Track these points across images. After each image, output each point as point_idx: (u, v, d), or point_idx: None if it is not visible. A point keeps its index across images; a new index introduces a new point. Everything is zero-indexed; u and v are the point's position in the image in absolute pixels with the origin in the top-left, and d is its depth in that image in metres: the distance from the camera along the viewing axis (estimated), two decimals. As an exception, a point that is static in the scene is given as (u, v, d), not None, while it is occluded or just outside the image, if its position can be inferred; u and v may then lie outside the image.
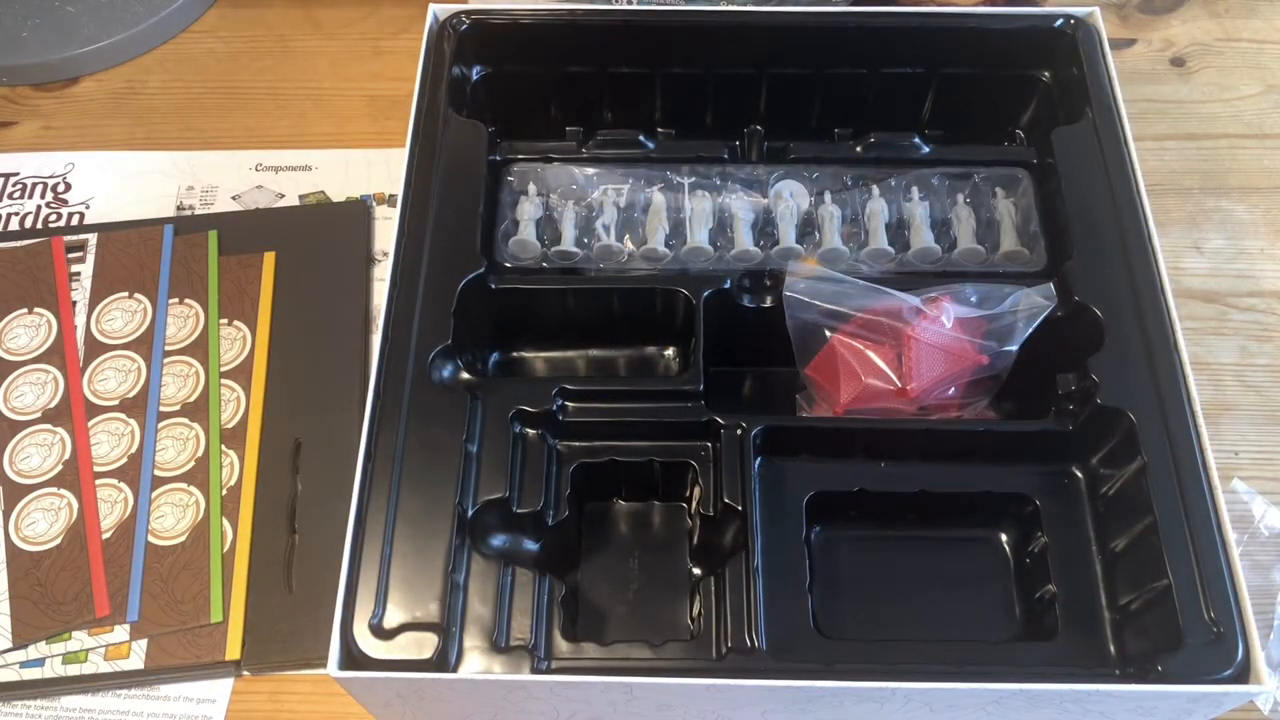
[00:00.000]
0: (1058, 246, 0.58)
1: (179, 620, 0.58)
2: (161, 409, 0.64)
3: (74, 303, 0.68)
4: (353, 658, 0.46)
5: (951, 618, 0.54)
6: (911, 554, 0.56)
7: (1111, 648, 0.50)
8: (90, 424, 0.64)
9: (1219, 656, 0.45)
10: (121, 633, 0.57)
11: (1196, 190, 0.74)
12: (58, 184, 0.75)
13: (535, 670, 0.47)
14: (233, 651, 0.57)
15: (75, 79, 0.80)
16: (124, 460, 0.62)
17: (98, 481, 0.62)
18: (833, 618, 0.53)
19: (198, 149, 0.76)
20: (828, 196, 0.62)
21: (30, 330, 0.67)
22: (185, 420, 0.64)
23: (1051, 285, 0.56)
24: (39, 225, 0.72)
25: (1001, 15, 0.66)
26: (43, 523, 0.60)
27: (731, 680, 0.46)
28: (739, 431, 0.53)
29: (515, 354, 0.63)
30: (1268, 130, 0.77)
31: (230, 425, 0.64)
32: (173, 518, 0.61)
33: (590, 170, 0.63)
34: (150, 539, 0.60)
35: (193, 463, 0.62)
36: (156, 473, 0.62)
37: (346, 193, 0.74)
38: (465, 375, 0.55)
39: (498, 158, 0.63)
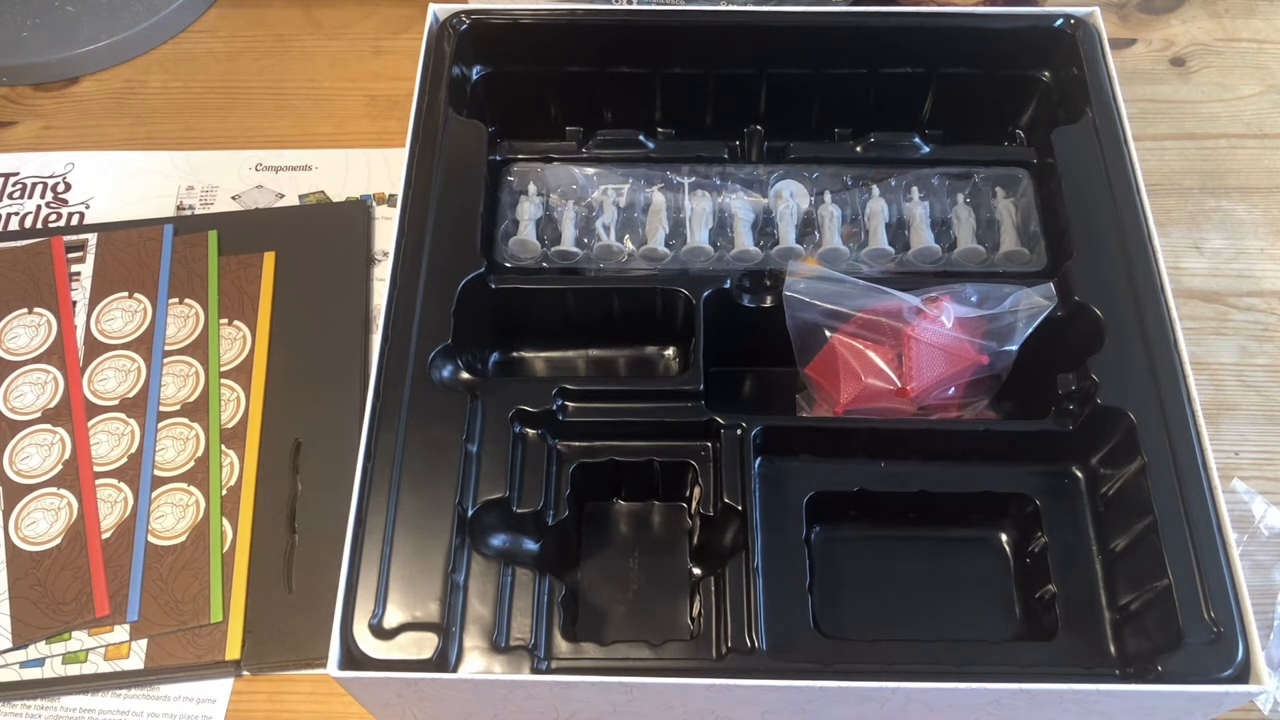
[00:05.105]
0: (1058, 246, 0.58)
1: (179, 620, 0.58)
2: (161, 409, 0.64)
3: (74, 303, 0.68)
4: (353, 658, 0.46)
5: (951, 618, 0.54)
6: (911, 554, 0.56)
7: (1111, 648, 0.50)
8: (90, 424, 0.64)
9: (1219, 656, 0.45)
10: (121, 633, 0.57)
11: (1196, 190, 0.74)
12: (58, 184, 0.75)
13: (535, 670, 0.47)
14: (233, 651, 0.57)
15: (75, 79, 0.80)
16: (124, 460, 0.62)
17: (98, 481, 0.62)
18: (833, 618, 0.53)
19: (198, 149, 0.76)
20: (828, 196, 0.62)
21: (30, 330, 0.67)
22: (185, 420, 0.64)
23: (1051, 285, 0.56)
24: (39, 225, 0.72)
25: (1001, 15, 0.66)
26: (43, 523, 0.60)
27: (731, 680, 0.46)
28: (739, 431, 0.53)
29: (515, 354, 0.63)
30: (1268, 130, 0.77)
31: (230, 425, 0.64)
32: (173, 518, 0.61)
33: (590, 170, 0.63)
34: (150, 539, 0.60)
35: (193, 463, 0.62)
36: (156, 473, 0.62)
37: (346, 193, 0.74)
38: (465, 375, 0.54)
39: (498, 158, 0.63)
